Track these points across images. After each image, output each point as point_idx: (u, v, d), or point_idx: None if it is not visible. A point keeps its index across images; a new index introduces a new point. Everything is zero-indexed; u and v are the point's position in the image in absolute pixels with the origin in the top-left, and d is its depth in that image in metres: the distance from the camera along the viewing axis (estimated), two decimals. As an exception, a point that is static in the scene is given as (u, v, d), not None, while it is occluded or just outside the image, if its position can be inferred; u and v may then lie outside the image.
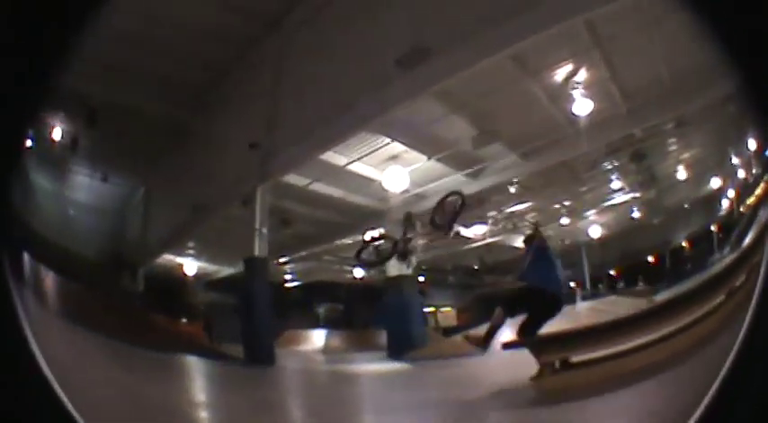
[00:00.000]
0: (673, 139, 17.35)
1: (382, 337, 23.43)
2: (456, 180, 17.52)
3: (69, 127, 16.49)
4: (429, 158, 16.90)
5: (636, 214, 22.29)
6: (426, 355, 17.00)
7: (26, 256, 3.77)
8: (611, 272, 24.30)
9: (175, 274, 23.39)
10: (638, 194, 20.12)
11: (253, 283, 16.32)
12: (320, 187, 18.39)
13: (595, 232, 22.83)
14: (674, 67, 12.73)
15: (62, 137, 16.34)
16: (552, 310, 11.08)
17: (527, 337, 10.67)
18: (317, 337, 22.51)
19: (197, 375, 13.00)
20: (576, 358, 8.74)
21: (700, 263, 17.73)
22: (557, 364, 9.90)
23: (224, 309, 23.85)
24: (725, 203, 19.13)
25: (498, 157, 16.90)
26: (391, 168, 17.08)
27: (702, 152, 18.33)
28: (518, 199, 19.75)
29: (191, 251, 23.28)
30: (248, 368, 14.77)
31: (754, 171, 14.78)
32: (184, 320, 21.42)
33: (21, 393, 2.38)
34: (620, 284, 23.39)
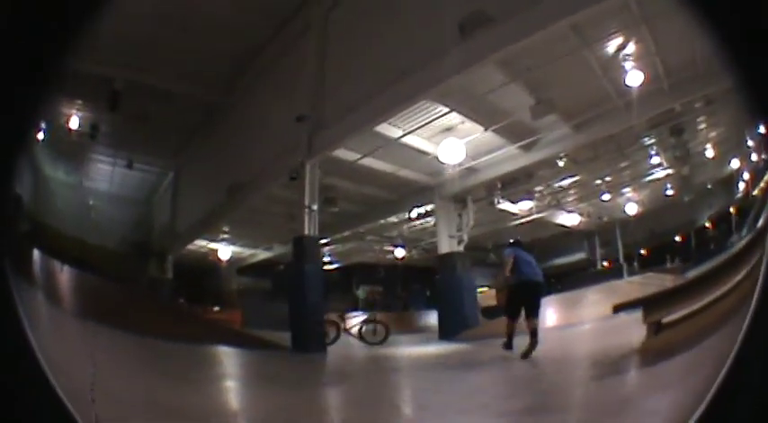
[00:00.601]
0: (702, 117, 16.89)
1: (423, 320, 23.23)
2: (509, 153, 17.32)
3: (88, 113, 15.49)
4: (486, 129, 15.99)
5: (669, 191, 21.96)
6: (478, 335, 15.36)
7: (36, 252, 3.22)
8: (642, 251, 24.71)
9: (208, 260, 22.05)
10: (672, 171, 19.74)
11: (303, 264, 14.78)
12: (370, 162, 17.34)
13: (632, 209, 22.53)
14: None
15: (80, 124, 15.34)
16: (539, 292, 11.15)
17: (533, 319, 10.57)
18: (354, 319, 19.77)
19: (237, 369, 10.56)
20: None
21: (721, 243, 18.51)
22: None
23: (261, 295, 23.46)
24: (741, 186, 18.99)
25: (552, 128, 16.07)
26: (447, 140, 16.16)
27: (725, 132, 17.87)
28: (565, 173, 19.48)
29: (225, 235, 21.76)
30: (297, 356, 13.29)
31: (764, 156, 14.39)
32: (217, 308, 20.09)
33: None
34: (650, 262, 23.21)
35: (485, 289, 23.43)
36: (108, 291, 9.88)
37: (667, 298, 8.91)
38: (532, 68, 13.43)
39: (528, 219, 21.62)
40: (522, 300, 10.86)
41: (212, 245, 21.86)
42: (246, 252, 23.31)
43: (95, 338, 6.92)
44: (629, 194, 21.94)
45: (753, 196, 16.61)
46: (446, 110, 15.13)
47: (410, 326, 22.38)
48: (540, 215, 21.59)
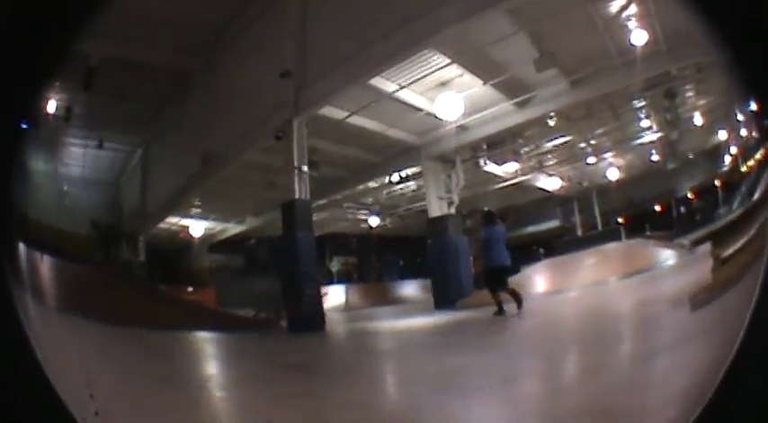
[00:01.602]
0: (693, 84, 16.00)
1: (398, 291, 21.75)
2: (503, 110, 15.67)
3: (64, 95, 13.69)
4: (484, 84, 14.27)
5: (655, 157, 21.04)
6: (474, 303, 13.32)
7: (21, 246, 2.58)
8: (620, 219, 23.42)
9: (180, 239, 20.01)
10: (662, 134, 18.68)
11: (294, 232, 12.67)
12: (358, 121, 15.39)
13: (613, 175, 21.38)
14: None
15: (56, 108, 13.41)
16: (505, 273, 11.38)
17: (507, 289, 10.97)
18: (333, 294, 18.73)
19: (227, 357, 8.73)
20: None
21: (708, 215, 17.83)
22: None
23: (233, 272, 21.10)
24: (727, 159, 18.94)
25: (549, 84, 14.63)
26: (445, 94, 14.36)
27: (714, 102, 17.08)
28: (556, 133, 18.01)
29: (197, 210, 19.56)
30: (295, 338, 11.41)
31: (754, 134, 14.05)
32: (190, 289, 17.92)
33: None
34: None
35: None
36: (84, 279, 8.54)
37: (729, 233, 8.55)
38: (537, 18, 12.03)
39: (512, 182, 19.98)
40: (490, 279, 11.18)
41: (184, 221, 19.72)
42: (218, 227, 21.17)
43: (78, 332, 5.99)
44: (611, 159, 20.86)
45: (740, 172, 16.42)
46: (445, 62, 13.27)
47: (385, 298, 20.85)
48: (524, 178, 20.19)
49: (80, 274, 8.51)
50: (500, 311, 10.61)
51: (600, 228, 22.77)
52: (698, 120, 17.89)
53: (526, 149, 18.93)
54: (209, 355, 8.45)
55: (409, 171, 18.86)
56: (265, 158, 15.63)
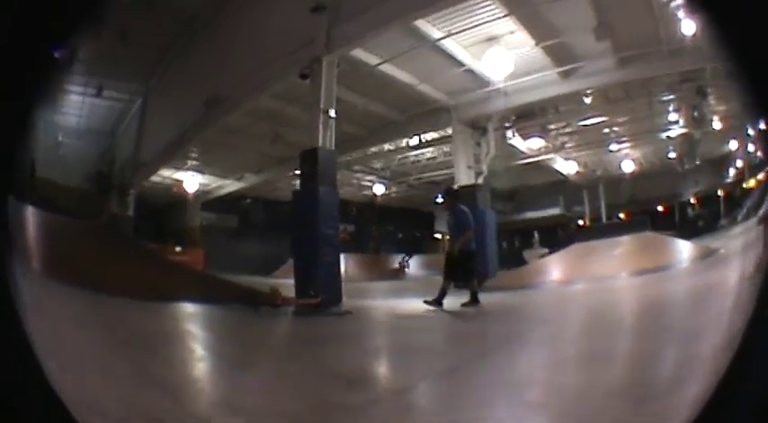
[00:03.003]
0: (718, 87, 13.77)
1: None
2: (547, 78, 13.20)
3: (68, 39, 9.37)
4: (537, 45, 11.88)
5: (672, 154, 18.99)
6: (501, 285, 11.63)
7: (11, 199, 2.08)
8: (621, 214, 21.23)
9: (172, 194, 17.27)
10: (687, 131, 16.58)
11: (316, 186, 9.69)
12: (390, 70, 12.59)
13: (628, 167, 19.32)
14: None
15: (61, 52, 9.08)
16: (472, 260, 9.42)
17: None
18: None
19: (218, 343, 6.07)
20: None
21: (710, 224, 17.18)
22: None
23: (226, 233, 18.66)
24: (732, 172, 18.14)
25: (599, 57, 12.37)
26: (495, 48, 11.87)
27: (733, 109, 14.38)
28: (590, 112, 15.55)
29: (194, 162, 16.83)
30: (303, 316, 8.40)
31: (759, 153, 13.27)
32: (179, 248, 15.42)
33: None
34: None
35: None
36: (70, 235, 7.06)
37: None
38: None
39: (531, 160, 17.70)
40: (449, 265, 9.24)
41: (178, 175, 17.04)
42: (214, 183, 18.40)
43: (57, 298, 4.68)
44: (627, 151, 18.78)
45: (743, 187, 16.13)
46: (500, 14, 10.89)
47: (386, 272, 18.29)
48: (545, 157, 17.93)
49: (66, 230, 6.96)
50: (433, 301, 8.70)
51: (604, 221, 20.46)
52: (717, 124, 15.98)
53: (554, 126, 16.38)
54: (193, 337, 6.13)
55: (429, 135, 16.32)
56: (276, 106, 13.30)
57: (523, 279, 12.50)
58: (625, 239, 13.55)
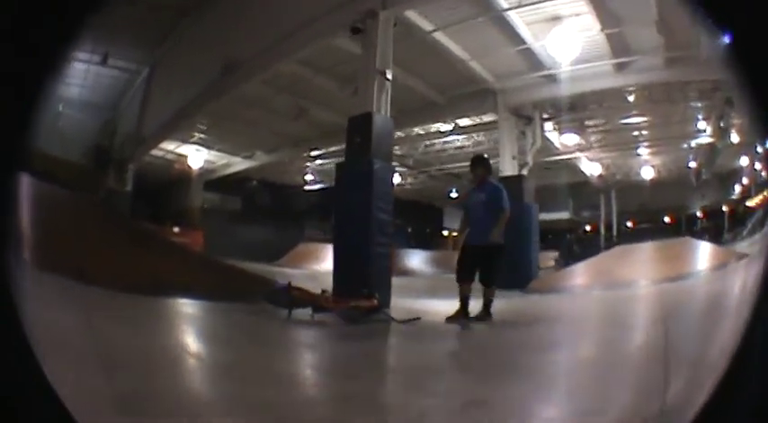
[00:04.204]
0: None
1: (406, 261, 16.91)
2: (601, 69, 11.41)
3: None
4: (602, 30, 10.19)
5: (692, 164, 17.42)
6: (544, 287, 10.09)
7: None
8: (629, 223, 20.77)
9: (174, 170, 15.79)
10: (712, 140, 14.97)
11: (369, 158, 7.38)
12: (443, 40, 10.48)
13: (648, 173, 18.08)
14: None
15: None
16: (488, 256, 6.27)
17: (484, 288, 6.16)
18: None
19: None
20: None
21: (715, 238, 15.85)
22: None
23: (228, 215, 17.24)
24: (737, 188, 17.71)
25: (650, 53, 10.90)
26: (563, 28, 10.05)
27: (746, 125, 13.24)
28: (631, 111, 14.05)
29: (201, 135, 14.87)
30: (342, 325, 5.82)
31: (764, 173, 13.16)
32: (177, 229, 13.91)
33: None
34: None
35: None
36: (64, 214, 5.01)
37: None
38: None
39: (562, 156, 16.03)
40: (468, 262, 6.31)
41: (182, 149, 15.28)
42: (221, 161, 16.44)
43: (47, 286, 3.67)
44: (649, 156, 17.41)
45: (747, 206, 15.75)
46: None
47: (404, 268, 15.73)
48: (576, 155, 16.31)
49: (62, 206, 5.28)
50: (459, 315, 6.04)
51: (614, 227, 19.83)
52: (735, 137, 14.54)
53: (592, 123, 14.71)
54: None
55: (464, 122, 14.37)
56: (304, 74, 11.50)
57: (564, 281, 10.81)
58: (666, 243, 12.09)
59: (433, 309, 6.86)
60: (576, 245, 19.30)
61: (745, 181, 16.83)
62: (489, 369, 3.73)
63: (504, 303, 6.46)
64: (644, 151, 16.62)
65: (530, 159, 12.44)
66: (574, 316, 7.15)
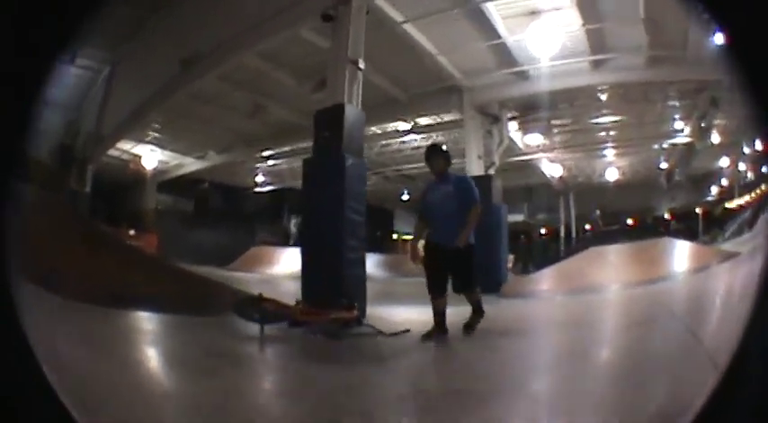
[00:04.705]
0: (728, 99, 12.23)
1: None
2: (576, 67, 10.99)
3: None
4: (583, 25, 9.62)
5: (663, 165, 17.16)
6: (519, 291, 9.57)
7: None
8: (587, 225, 20.58)
9: (129, 170, 15.24)
10: (691, 140, 14.81)
11: (340, 154, 6.64)
12: (413, 32, 9.79)
13: (612, 175, 17.57)
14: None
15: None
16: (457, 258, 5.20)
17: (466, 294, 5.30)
18: (288, 258, 12.83)
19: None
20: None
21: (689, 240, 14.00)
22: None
23: (180, 218, 16.64)
24: (714, 189, 17.38)
25: (634, 51, 10.50)
26: (543, 22, 9.49)
27: (733, 125, 13.62)
28: (600, 110, 13.62)
29: (155, 134, 14.22)
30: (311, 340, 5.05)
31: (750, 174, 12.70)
32: (133, 232, 13.66)
33: None
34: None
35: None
36: (34, 215, 4.24)
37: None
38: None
39: (524, 157, 15.50)
40: (438, 269, 5.24)
41: (137, 149, 14.73)
42: (174, 161, 15.79)
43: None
44: (615, 158, 17.00)
45: (725, 208, 15.34)
46: None
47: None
48: (537, 156, 15.82)
49: (34, 208, 4.42)
50: (433, 333, 5.06)
51: (573, 230, 19.45)
52: (716, 138, 14.51)
53: (559, 123, 14.25)
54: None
55: (425, 120, 13.79)
56: (263, 68, 10.82)
57: (538, 285, 10.19)
58: (644, 244, 11.57)
59: (406, 316, 6.16)
60: (532, 248, 18.98)
61: (724, 182, 16.66)
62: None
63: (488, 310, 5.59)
64: (611, 152, 16.21)
65: (496, 159, 11.98)
66: (567, 322, 6.40)
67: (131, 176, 15.01)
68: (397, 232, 22.07)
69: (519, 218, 19.88)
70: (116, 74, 11.77)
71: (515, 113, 13.13)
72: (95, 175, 12.73)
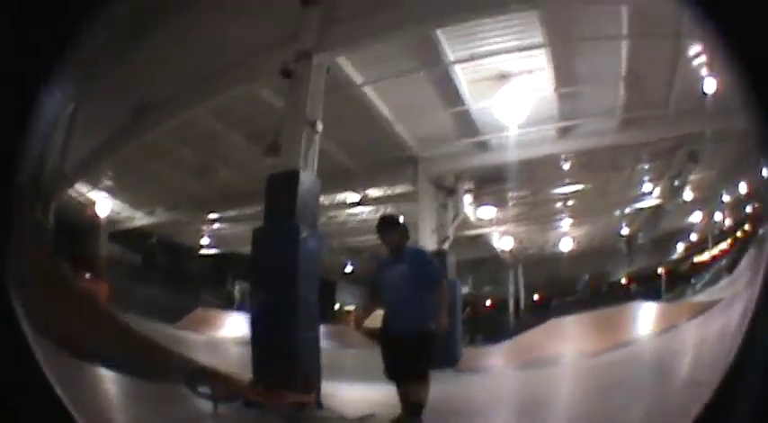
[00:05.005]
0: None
1: None
2: (539, 135, 10.46)
3: None
4: (556, 89, 9.28)
5: (624, 231, 16.08)
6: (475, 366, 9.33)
7: None
8: (536, 296, 18.46)
9: (86, 214, 13.65)
10: (660, 201, 14.29)
11: (294, 225, 6.22)
12: (372, 95, 9.33)
13: (566, 245, 16.37)
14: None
15: None
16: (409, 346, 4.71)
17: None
18: (233, 322, 12.44)
19: None
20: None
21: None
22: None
23: (130, 269, 14.79)
24: (680, 246, 16.00)
25: (607, 114, 9.97)
26: (512, 87, 9.09)
27: (710, 179, 13.06)
28: (561, 180, 13.15)
29: (108, 182, 13.42)
30: None
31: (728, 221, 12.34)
32: (88, 275, 11.49)
33: None
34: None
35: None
36: None
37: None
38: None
39: (474, 232, 14.66)
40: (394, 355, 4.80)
41: (93, 194, 13.55)
42: (124, 213, 14.88)
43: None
44: (567, 229, 16.14)
45: (694, 263, 14.32)
46: (533, 41, 8.32)
47: None
48: (490, 229, 15.17)
49: None
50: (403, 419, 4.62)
51: (522, 302, 17.95)
52: (688, 195, 13.96)
53: (515, 194, 13.77)
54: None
55: (376, 192, 12.99)
56: (214, 127, 10.34)
57: (496, 359, 10.32)
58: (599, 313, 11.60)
59: (363, 395, 5.88)
60: (478, 320, 18.63)
61: (693, 238, 15.65)
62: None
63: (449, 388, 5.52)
64: (567, 221, 15.70)
65: (451, 233, 11.63)
66: (535, 398, 5.99)
67: (87, 221, 13.70)
68: (339, 303, 21.70)
69: (464, 290, 19.58)
70: (79, 111, 11.04)
71: (472, 185, 12.72)
72: (58, 212, 12.05)
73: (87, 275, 12.50)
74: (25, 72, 1.53)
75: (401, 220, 5.30)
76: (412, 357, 4.63)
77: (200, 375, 4.94)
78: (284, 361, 5.72)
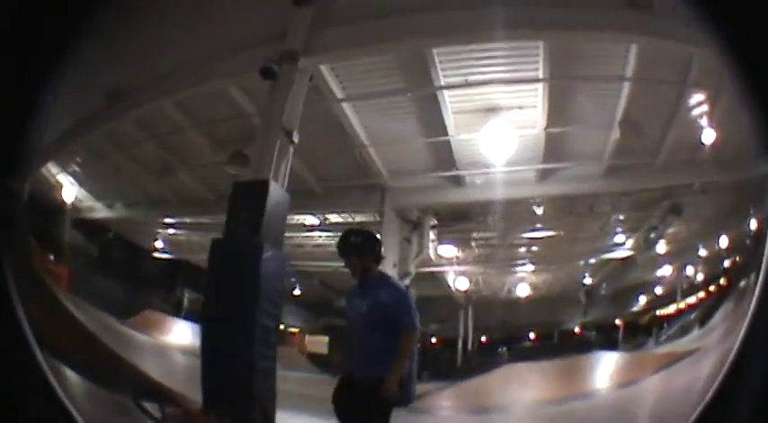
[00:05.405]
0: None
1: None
2: (517, 176, 10.06)
3: None
4: (545, 128, 8.87)
5: (588, 280, 15.02)
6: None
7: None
8: (483, 338, 17.02)
9: (53, 197, 13.02)
10: (632, 253, 13.67)
11: (257, 240, 5.69)
12: (350, 113, 8.74)
13: (523, 291, 15.21)
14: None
15: None
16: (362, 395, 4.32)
17: None
18: (180, 330, 11.61)
19: None
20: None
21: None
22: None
23: (89, 260, 13.53)
24: (642, 299, 14.95)
25: (594, 159, 9.68)
26: (501, 121, 8.67)
27: (689, 231, 12.54)
28: (532, 225, 12.59)
29: (76, 168, 12.46)
30: None
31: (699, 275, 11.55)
32: (52, 257, 11.10)
33: None
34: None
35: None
36: None
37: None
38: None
39: (432, 269, 13.52)
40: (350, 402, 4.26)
41: (61, 177, 12.82)
42: (86, 202, 13.80)
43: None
44: (526, 274, 15.14)
45: (655, 315, 13.61)
46: (534, 74, 7.99)
47: None
48: (445, 269, 13.92)
49: None
50: None
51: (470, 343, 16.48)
52: (661, 248, 13.35)
53: (480, 236, 13.12)
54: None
55: (337, 218, 12.31)
56: (183, 121, 9.69)
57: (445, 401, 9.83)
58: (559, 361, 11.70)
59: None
60: (426, 358, 18.09)
61: (659, 291, 14.89)
62: None
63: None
64: (528, 267, 14.85)
65: (412, 269, 11.11)
66: None
67: (57, 203, 13.07)
68: (284, 325, 20.91)
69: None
70: (59, 88, 10.27)
71: (437, 222, 12.11)
72: (31, 190, 11.38)
73: (51, 257, 12.37)
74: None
75: (378, 236, 4.70)
76: (360, 404, 4.28)
77: (149, 393, 4.68)
78: (236, 392, 5.22)
